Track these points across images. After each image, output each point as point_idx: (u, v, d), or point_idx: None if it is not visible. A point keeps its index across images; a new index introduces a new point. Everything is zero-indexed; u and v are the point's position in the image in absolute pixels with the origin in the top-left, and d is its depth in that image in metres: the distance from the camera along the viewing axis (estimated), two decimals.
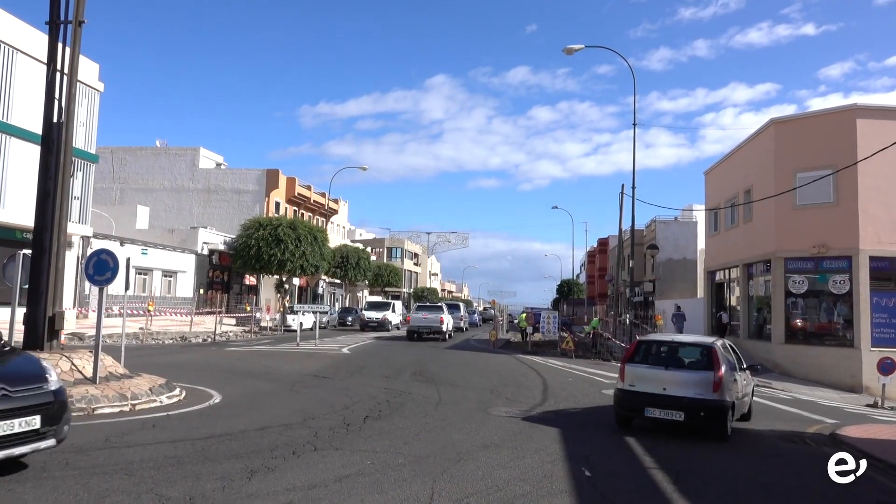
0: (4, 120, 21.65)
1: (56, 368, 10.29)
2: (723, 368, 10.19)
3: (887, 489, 7.80)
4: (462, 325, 43.53)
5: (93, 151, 25.85)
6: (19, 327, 11.27)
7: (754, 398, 13.21)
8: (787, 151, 24.21)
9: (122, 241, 31.24)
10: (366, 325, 39.45)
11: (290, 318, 32.86)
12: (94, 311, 24.10)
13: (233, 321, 34.93)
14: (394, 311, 43.21)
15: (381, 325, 39.39)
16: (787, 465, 8.73)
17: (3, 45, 21.46)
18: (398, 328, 41.79)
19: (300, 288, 50.01)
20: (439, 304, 41.22)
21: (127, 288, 13.27)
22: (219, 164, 53.44)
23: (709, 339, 11.93)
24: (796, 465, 8.67)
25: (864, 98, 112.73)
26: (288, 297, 40.12)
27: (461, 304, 51.38)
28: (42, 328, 10.79)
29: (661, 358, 11.11)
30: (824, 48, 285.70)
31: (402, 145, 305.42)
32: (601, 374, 19.69)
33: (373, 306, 43.86)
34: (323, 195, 57.31)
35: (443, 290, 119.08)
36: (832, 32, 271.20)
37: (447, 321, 33.57)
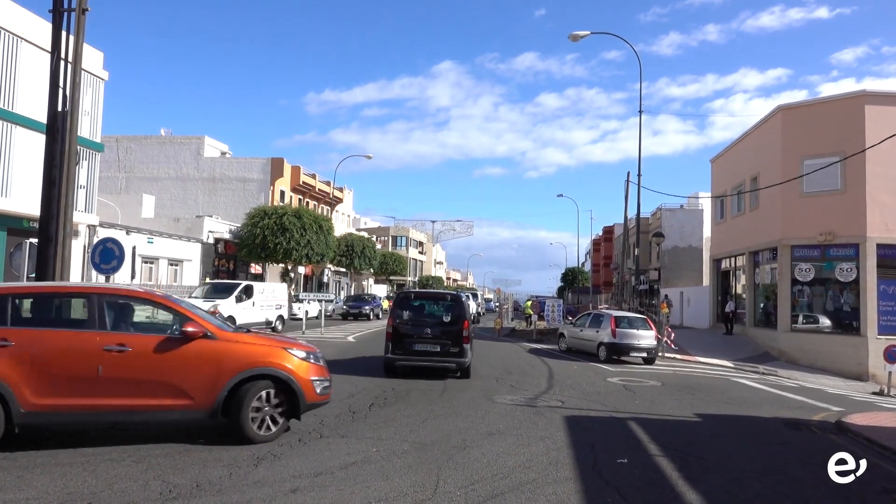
0: (9, 109, 21.65)
1: None
2: (656, 329, 20.84)
3: (893, 477, 7.79)
4: (479, 311, 49.58)
5: (98, 140, 25.85)
6: None
7: (760, 385, 16.68)
8: (795, 138, 24.03)
9: (128, 230, 31.29)
10: None
11: (295, 306, 32.93)
12: None
13: None
14: (247, 297, 24.94)
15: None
16: (792, 452, 8.72)
17: (6, 33, 21.42)
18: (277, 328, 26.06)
19: (305, 276, 50.08)
20: (466, 293, 49.41)
21: (133, 276, 13.31)
22: (224, 153, 53.41)
23: (642, 316, 22.71)
24: (802, 453, 8.66)
25: (877, 83, 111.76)
26: (293, 286, 40.22)
27: (478, 293, 62.23)
28: None
29: (630, 324, 20.21)
30: (837, 32, 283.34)
31: (407, 133, 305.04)
32: (606, 364, 19.67)
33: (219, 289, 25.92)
34: (328, 183, 57.26)
35: (448, 278, 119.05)
36: (846, 16, 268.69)
37: (472, 307, 40.01)
